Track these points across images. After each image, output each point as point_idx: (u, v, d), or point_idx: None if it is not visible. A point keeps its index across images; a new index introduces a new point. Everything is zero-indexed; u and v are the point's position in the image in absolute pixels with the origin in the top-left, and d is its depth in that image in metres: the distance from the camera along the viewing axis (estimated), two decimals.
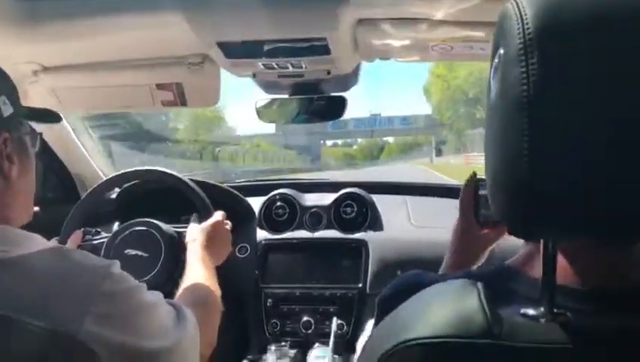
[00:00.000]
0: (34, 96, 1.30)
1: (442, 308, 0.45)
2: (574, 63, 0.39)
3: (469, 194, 0.86)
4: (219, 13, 0.95)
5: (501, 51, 0.44)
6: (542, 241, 0.46)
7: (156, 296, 0.69)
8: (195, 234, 1.14)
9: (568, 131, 0.40)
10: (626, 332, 0.43)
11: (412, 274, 0.65)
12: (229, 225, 1.23)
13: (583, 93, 0.39)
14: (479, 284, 0.46)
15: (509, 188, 0.43)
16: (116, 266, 0.65)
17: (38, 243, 0.64)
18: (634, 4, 0.39)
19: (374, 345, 0.48)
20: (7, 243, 0.61)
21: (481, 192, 0.86)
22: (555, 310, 0.44)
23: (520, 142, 0.41)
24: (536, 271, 0.47)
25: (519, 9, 0.42)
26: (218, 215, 1.23)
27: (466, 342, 0.42)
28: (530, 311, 0.44)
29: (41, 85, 1.29)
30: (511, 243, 0.86)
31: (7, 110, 0.66)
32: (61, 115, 0.84)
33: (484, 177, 0.82)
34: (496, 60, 0.45)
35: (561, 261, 0.47)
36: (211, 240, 1.13)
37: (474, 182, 0.87)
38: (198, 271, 0.99)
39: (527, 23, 0.40)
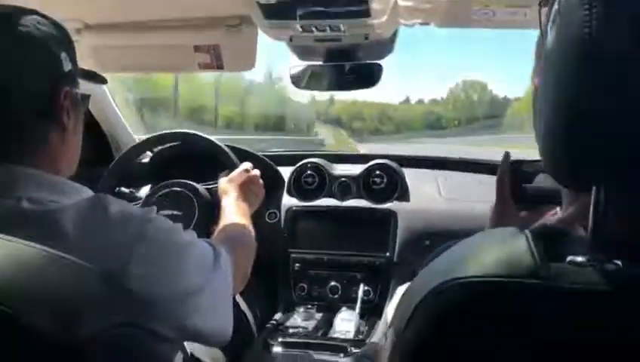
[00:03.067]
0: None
1: (491, 250, 0.45)
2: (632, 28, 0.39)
3: (504, 173, 0.83)
4: None
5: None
6: (593, 189, 0.45)
7: (192, 234, 0.73)
8: (225, 186, 1.19)
9: (627, 76, 0.39)
10: None
11: (450, 244, 0.66)
12: (257, 172, 1.27)
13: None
14: (527, 231, 0.46)
15: (557, 131, 0.43)
16: (153, 211, 0.69)
17: (85, 193, 0.68)
18: None
19: (421, 283, 0.48)
20: (58, 192, 0.65)
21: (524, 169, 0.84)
22: (604, 258, 0.44)
23: (580, 87, 0.41)
24: (581, 227, 0.47)
25: None
26: (245, 164, 1.26)
27: (513, 282, 0.42)
28: (578, 258, 0.45)
29: (82, 44, 1.31)
30: None
31: (67, 66, 0.70)
32: (106, 79, 0.87)
33: (518, 158, 0.81)
34: (555, 6, 0.45)
35: (609, 215, 0.47)
36: (242, 188, 1.18)
37: (509, 161, 0.85)
38: (231, 215, 1.04)
39: None
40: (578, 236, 0.48)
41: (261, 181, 1.26)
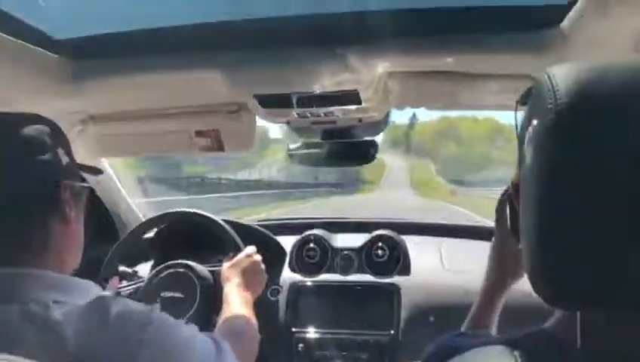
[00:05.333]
0: (81, 143, 1.37)
1: None
2: (605, 143, 0.40)
3: (504, 206, 0.81)
4: (255, 70, 1.00)
5: (534, 122, 0.45)
6: (578, 313, 0.45)
7: (193, 329, 0.73)
8: (228, 272, 1.18)
9: (590, 210, 0.41)
10: None
11: (451, 337, 0.65)
12: (260, 258, 1.26)
13: (605, 173, 0.40)
14: (517, 352, 0.46)
15: (541, 253, 0.44)
16: (156, 311, 0.69)
17: (91, 292, 0.69)
18: None
19: None
20: (65, 292, 0.66)
21: None
22: None
23: (552, 211, 0.42)
24: (572, 336, 0.47)
25: (552, 83, 0.43)
26: (249, 249, 1.26)
27: None
28: None
29: (87, 133, 1.37)
30: (523, 291, 0.86)
31: (65, 159, 0.73)
32: (103, 170, 0.91)
33: None
34: (530, 130, 0.46)
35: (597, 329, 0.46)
36: (245, 274, 1.17)
37: (508, 193, 0.84)
38: (234, 305, 1.03)
39: (560, 99, 0.42)
40: (567, 348, 0.48)
41: (263, 266, 1.25)
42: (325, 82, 0.98)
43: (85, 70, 1.05)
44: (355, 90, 1.03)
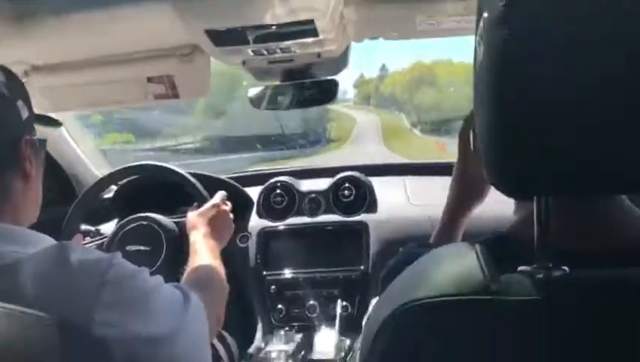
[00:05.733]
0: None
1: (442, 270, 0.46)
2: (551, 26, 0.40)
3: (467, 126, 0.82)
4: (206, 1, 0.95)
5: (485, 15, 0.45)
6: (535, 199, 0.46)
7: (158, 279, 0.70)
8: (194, 221, 1.15)
9: (549, 95, 0.41)
10: (622, 283, 0.44)
11: (412, 247, 0.66)
12: (228, 206, 1.24)
13: (562, 55, 0.40)
14: (477, 246, 0.47)
15: (500, 148, 0.44)
16: (117, 256, 0.66)
17: (47, 242, 0.66)
18: None
19: (378, 311, 0.49)
20: (20, 243, 0.63)
21: None
22: (550, 265, 0.45)
23: (507, 103, 0.42)
24: (531, 235, 0.48)
25: None
26: (217, 197, 1.23)
27: (466, 299, 0.43)
28: (527, 268, 0.45)
29: (31, 86, 1.28)
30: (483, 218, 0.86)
31: (25, 113, 0.69)
32: (61, 122, 0.86)
33: None
34: (481, 24, 0.46)
35: (554, 224, 0.48)
36: (212, 223, 1.14)
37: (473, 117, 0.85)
38: (201, 254, 1.01)
39: None
40: (528, 242, 0.49)
41: (231, 215, 1.23)
42: (278, 10, 0.94)
43: (25, 15, 0.97)
44: (311, 19, 1.00)
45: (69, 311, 0.56)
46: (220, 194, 1.25)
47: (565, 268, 0.45)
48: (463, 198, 0.86)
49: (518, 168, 0.44)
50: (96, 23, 1.03)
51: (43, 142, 0.75)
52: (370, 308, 1.44)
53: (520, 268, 0.46)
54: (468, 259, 0.46)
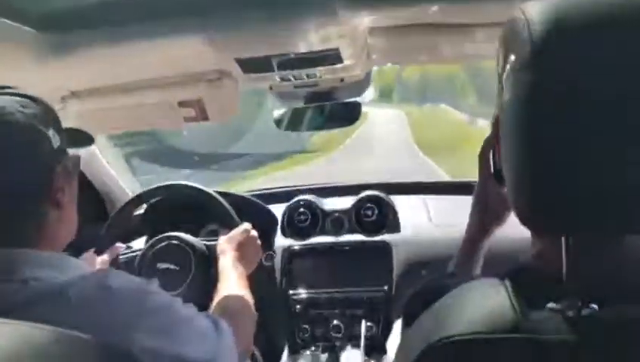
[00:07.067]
0: (62, 121, 1.36)
1: (474, 306, 0.47)
2: (580, 72, 0.42)
3: (487, 148, 0.77)
4: (236, 33, 0.99)
5: (511, 57, 0.46)
6: (563, 238, 0.47)
7: (191, 308, 0.73)
8: (224, 246, 1.18)
9: (578, 138, 0.42)
10: None
11: (435, 278, 0.67)
12: (256, 234, 1.27)
13: (590, 102, 0.41)
14: (507, 282, 0.48)
15: (527, 183, 0.46)
16: (154, 284, 0.70)
17: (83, 267, 0.69)
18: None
19: (410, 345, 0.50)
20: (57, 268, 0.65)
21: None
22: (580, 303, 0.45)
23: (534, 142, 0.44)
24: (554, 266, 0.48)
25: (526, 17, 0.44)
26: (246, 225, 1.27)
27: (497, 338, 0.44)
28: (556, 306, 0.46)
29: (68, 110, 1.35)
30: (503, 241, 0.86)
31: (57, 142, 0.70)
32: (93, 137, 0.89)
33: None
34: (507, 67, 0.48)
35: (582, 261, 0.48)
36: (241, 250, 1.16)
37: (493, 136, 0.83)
38: (230, 281, 1.03)
39: (534, 31, 0.43)
40: (555, 276, 0.49)
41: (259, 241, 1.25)
42: (306, 40, 0.98)
43: (63, 43, 1.03)
44: (337, 48, 1.03)
45: (112, 336, 0.59)
46: (248, 224, 1.27)
47: (594, 306, 0.45)
48: (483, 223, 0.86)
49: (547, 206, 0.45)
50: (131, 51, 1.08)
51: (77, 160, 0.75)
52: (394, 332, 1.44)
53: (549, 305, 0.46)
54: (499, 295, 0.47)
